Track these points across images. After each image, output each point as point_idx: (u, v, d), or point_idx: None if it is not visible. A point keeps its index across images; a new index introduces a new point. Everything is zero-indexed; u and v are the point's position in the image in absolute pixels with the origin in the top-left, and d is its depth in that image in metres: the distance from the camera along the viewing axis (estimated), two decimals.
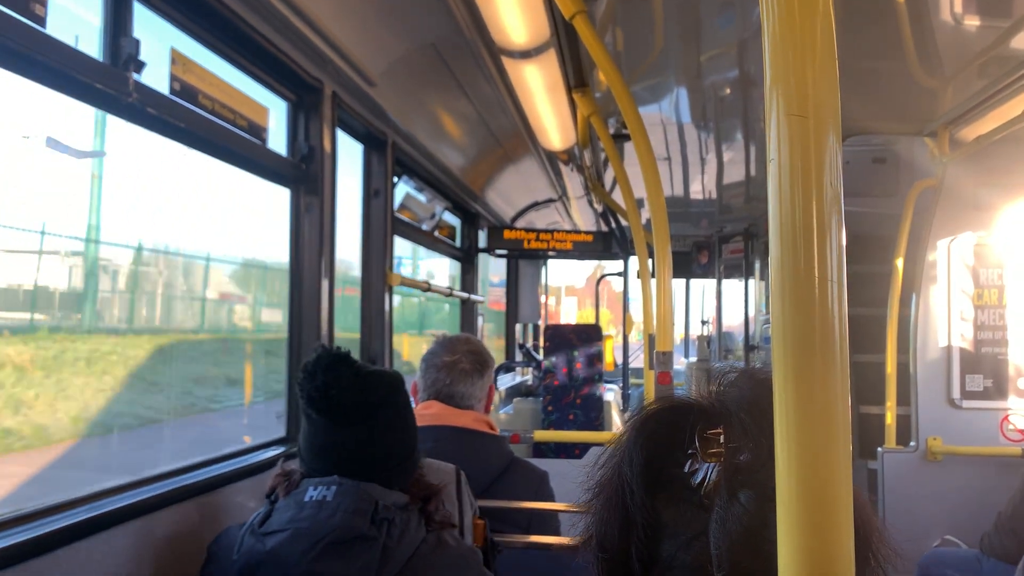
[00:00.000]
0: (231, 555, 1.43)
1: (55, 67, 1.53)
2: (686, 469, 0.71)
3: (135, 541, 1.64)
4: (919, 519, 3.58)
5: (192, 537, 1.81)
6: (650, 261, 3.26)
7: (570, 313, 21.11)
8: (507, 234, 5.55)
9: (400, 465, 1.54)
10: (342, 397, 1.46)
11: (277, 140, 2.45)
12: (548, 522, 2.10)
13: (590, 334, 5.93)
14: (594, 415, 5.77)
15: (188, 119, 1.96)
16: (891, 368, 3.83)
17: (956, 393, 3.69)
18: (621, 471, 0.75)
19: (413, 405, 2.23)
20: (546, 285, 8.27)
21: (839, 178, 0.47)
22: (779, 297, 0.47)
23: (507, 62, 2.90)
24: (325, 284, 2.59)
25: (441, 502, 1.58)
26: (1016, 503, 2.90)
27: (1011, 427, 3.66)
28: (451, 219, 5.02)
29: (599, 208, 5.45)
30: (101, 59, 1.68)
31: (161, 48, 1.87)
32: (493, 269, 7.46)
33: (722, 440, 0.69)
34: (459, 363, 2.18)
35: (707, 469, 0.69)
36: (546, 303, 8.47)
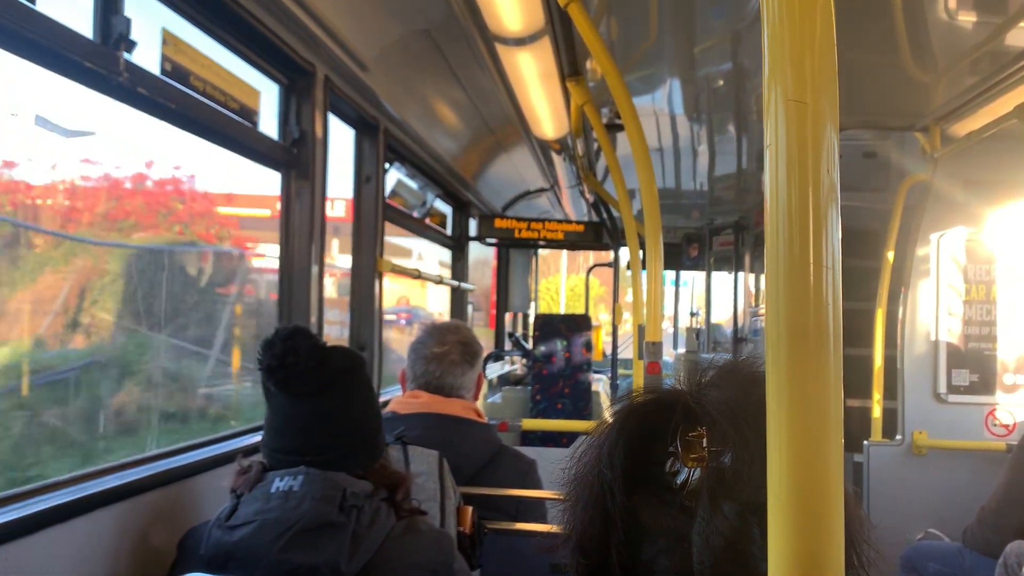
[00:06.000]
0: (199, 550, 1.41)
1: (45, 45, 1.51)
2: (667, 468, 0.70)
3: (117, 523, 1.62)
4: (903, 512, 3.61)
5: (177, 520, 1.79)
6: (641, 252, 3.26)
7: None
8: (498, 223, 5.54)
9: (364, 444, 1.51)
10: (299, 365, 1.42)
11: (269, 124, 2.43)
12: (535, 509, 2.10)
13: (579, 324, 5.94)
14: (582, 404, 5.78)
15: (179, 100, 1.94)
16: (878, 362, 3.85)
17: (942, 388, 3.71)
18: (601, 472, 0.74)
19: (400, 393, 2.23)
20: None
21: (836, 165, 0.46)
22: (774, 283, 0.46)
23: (501, 49, 2.88)
24: (315, 270, 2.57)
25: (409, 493, 1.55)
26: (999, 497, 2.92)
27: (996, 422, 3.69)
28: (442, 207, 5.00)
29: (590, 198, 5.44)
30: (92, 38, 1.66)
31: (152, 28, 1.85)
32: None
33: (704, 444, 0.68)
34: (449, 354, 2.16)
35: (690, 470, 0.69)
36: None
